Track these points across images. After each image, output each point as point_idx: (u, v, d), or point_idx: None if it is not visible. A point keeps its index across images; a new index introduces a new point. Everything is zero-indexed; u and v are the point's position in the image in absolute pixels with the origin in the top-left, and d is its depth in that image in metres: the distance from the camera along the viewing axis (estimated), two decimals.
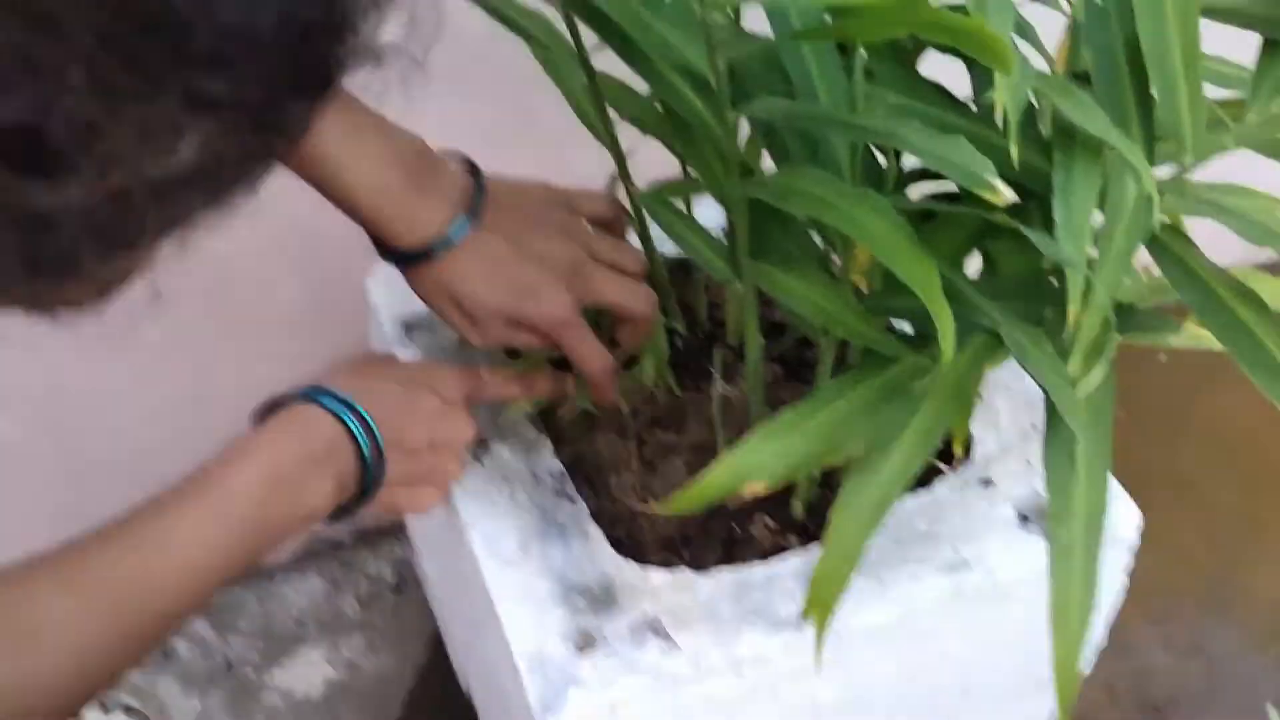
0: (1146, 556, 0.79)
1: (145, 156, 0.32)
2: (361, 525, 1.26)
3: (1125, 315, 0.55)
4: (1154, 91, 0.56)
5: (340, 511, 0.69)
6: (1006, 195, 0.46)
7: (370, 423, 0.67)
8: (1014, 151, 0.49)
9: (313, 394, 0.68)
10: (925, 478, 0.80)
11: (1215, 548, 1.30)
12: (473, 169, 0.73)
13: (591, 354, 0.75)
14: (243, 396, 1.09)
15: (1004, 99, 0.49)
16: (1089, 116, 0.51)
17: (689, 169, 0.85)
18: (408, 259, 0.71)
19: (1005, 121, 0.51)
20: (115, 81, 0.30)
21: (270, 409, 0.69)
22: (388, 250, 0.71)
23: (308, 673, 1.18)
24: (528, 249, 0.72)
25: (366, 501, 0.69)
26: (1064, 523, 0.54)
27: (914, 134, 0.50)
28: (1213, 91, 0.61)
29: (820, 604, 0.61)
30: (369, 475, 0.68)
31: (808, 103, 0.59)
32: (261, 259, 1.02)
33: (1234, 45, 0.65)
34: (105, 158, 0.31)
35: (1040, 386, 0.53)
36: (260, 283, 1.04)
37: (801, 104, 0.59)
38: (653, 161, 0.82)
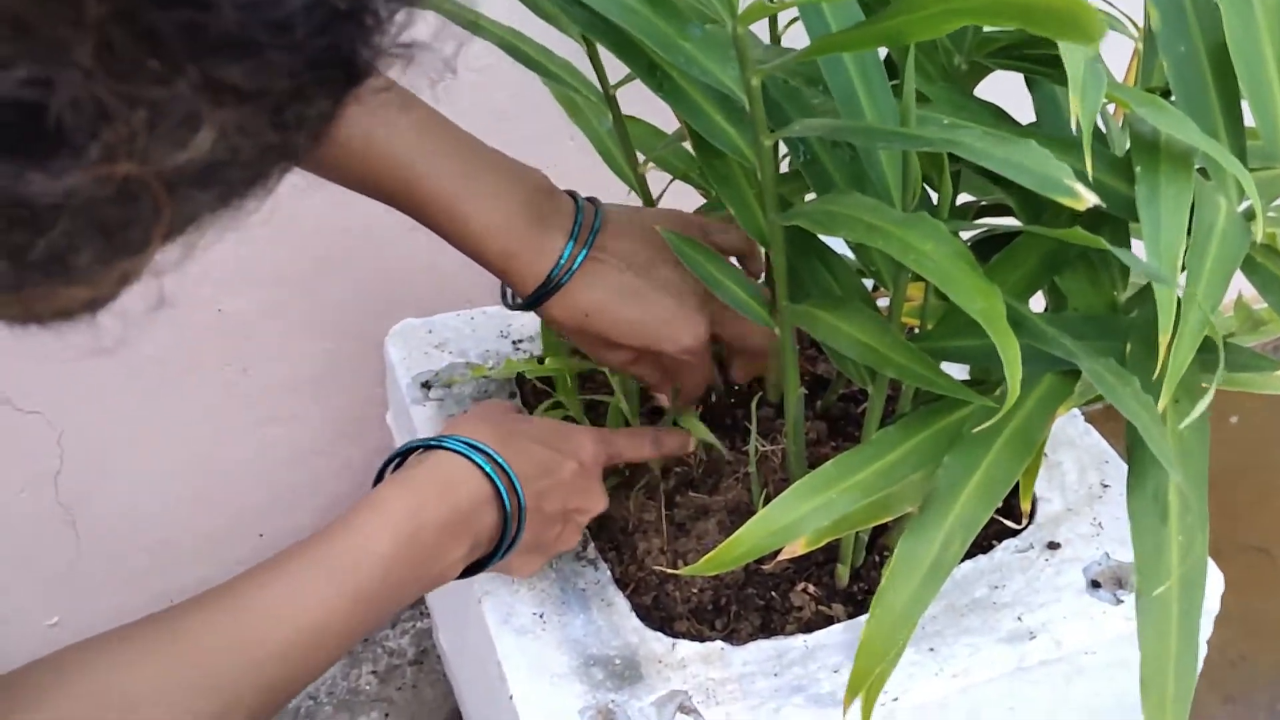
0: (1220, 629, 0.72)
1: (155, 145, 0.28)
2: None
3: (1223, 352, 0.49)
4: (1245, 99, 0.50)
5: (462, 574, 0.64)
6: (1089, 199, 0.40)
7: (517, 485, 0.63)
8: (1088, 160, 0.43)
9: (459, 445, 0.63)
10: (985, 540, 0.74)
11: None
12: (592, 200, 0.71)
13: (701, 380, 0.75)
14: (258, 459, 1.06)
15: (1078, 104, 0.43)
16: (1176, 124, 0.45)
17: (723, 210, 0.80)
18: (536, 295, 0.68)
19: (1079, 132, 0.45)
20: (128, 58, 0.26)
21: (406, 454, 0.64)
22: (517, 292, 0.69)
23: None
24: (657, 277, 0.69)
25: (492, 566, 0.65)
26: (1155, 580, 0.47)
27: (977, 140, 0.44)
28: None
29: (867, 679, 0.54)
30: (504, 541, 0.63)
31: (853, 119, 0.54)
32: (278, 321, 1.00)
33: None
34: (112, 144, 0.27)
35: (1127, 421, 0.46)
36: (277, 345, 1.01)
37: (846, 120, 0.54)
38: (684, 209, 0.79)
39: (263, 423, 1.04)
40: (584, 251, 0.67)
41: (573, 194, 0.70)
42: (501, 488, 0.62)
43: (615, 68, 0.67)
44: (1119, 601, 0.69)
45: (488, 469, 0.62)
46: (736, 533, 0.57)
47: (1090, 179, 0.44)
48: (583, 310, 0.68)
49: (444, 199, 0.65)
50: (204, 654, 0.52)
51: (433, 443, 0.63)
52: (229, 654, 0.52)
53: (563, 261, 0.67)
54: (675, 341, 0.69)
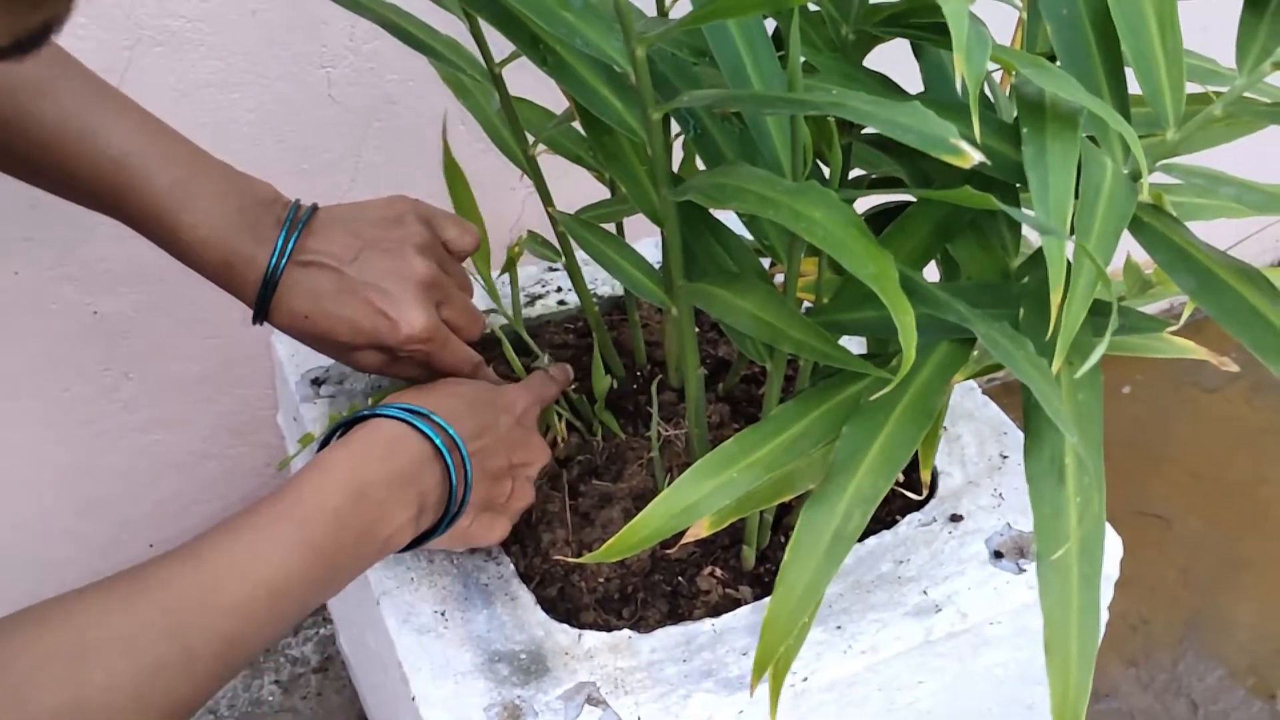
0: (1121, 595, 0.73)
1: None
2: None
3: (1116, 304, 0.49)
4: (1128, 59, 0.50)
5: (416, 541, 0.64)
6: (974, 156, 0.39)
7: (458, 441, 0.63)
8: (975, 121, 0.43)
9: (395, 410, 0.63)
10: (888, 515, 0.74)
11: (1189, 583, 1.26)
12: (313, 206, 0.69)
13: (457, 362, 0.72)
14: (144, 465, 1.02)
15: (962, 64, 0.43)
16: (1061, 83, 0.45)
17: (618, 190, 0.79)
18: (258, 306, 0.67)
19: (965, 96, 0.44)
20: None
21: (347, 427, 0.64)
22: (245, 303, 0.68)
23: None
24: (368, 269, 0.67)
25: (445, 529, 0.65)
26: (1055, 542, 0.47)
27: (863, 104, 0.43)
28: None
29: (773, 656, 0.53)
30: (452, 500, 0.63)
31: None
32: (158, 321, 0.96)
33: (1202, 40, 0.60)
34: None
35: (1023, 386, 0.46)
36: (159, 346, 0.97)
37: (734, 90, 0.53)
38: (580, 197, 0.78)
39: (147, 427, 1.00)
40: (286, 256, 0.66)
41: (297, 203, 0.69)
42: (441, 445, 0.62)
43: (501, 45, 0.65)
44: (1021, 571, 0.70)
45: (425, 429, 0.62)
46: (638, 516, 0.56)
47: (978, 143, 0.44)
48: (301, 314, 0.67)
49: (155, 208, 0.64)
50: (168, 603, 0.52)
51: (370, 413, 0.63)
52: (191, 604, 0.53)
53: (269, 269, 0.66)
54: (394, 333, 0.67)
